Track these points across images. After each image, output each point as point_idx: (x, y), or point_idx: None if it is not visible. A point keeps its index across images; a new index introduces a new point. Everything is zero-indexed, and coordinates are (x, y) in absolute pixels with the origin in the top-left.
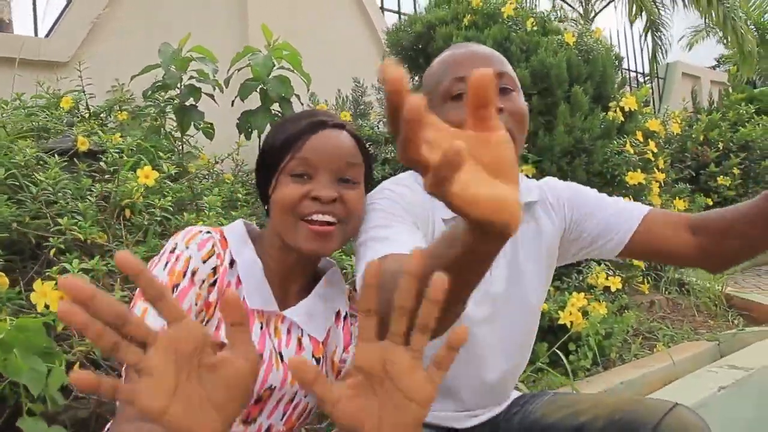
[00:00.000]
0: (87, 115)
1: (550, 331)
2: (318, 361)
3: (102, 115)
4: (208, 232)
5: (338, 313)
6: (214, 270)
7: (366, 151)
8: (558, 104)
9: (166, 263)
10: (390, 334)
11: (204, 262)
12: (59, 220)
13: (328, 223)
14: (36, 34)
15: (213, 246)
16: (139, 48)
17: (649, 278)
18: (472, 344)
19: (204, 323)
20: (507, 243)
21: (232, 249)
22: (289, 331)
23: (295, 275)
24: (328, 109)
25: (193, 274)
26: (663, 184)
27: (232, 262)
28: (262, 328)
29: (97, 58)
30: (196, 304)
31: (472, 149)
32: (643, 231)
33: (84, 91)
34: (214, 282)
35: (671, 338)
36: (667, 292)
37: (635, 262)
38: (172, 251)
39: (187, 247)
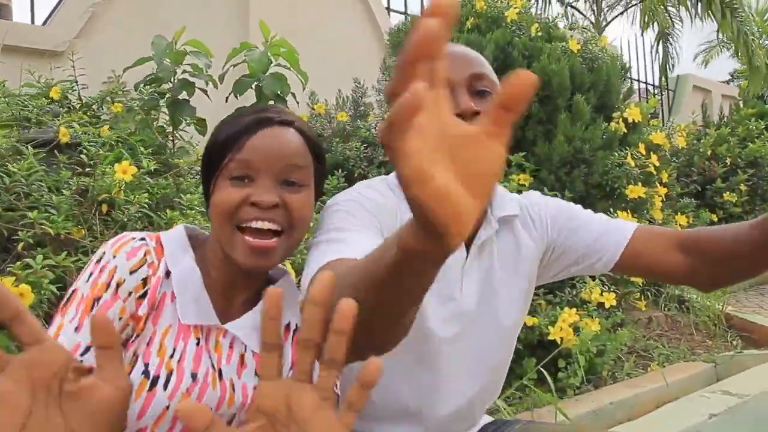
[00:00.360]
0: (78, 106)
1: (540, 346)
2: None
3: (94, 106)
4: (142, 239)
5: (288, 326)
6: (145, 281)
7: (318, 151)
8: (559, 113)
9: (90, 274)
10: (296, 371)
11: (132, 273)
12: (28, 214)
13: (272, 232)
14: (33, 21)
15: (145, 255)
16: (138, 40)
17: (648, 294)
18: (436, 364)
19: (133, 339)
20: (484, 258)
21: (167, 258)
22: (231, 346)
23: (239, 285)
24: (327, 110)
25: (118, 286)
26: (666, 199)
27: (169, 273)
28: (198, 343)
29: (94, 49)
30: (120, 319)
31: (462, 147)
32: (631, 250)
33: (77, 81)
34: (145, 293)
35: (666, 358)
36: (666, 309)
37: (633, 278)
38: (98, 261)
39: (114, 257)
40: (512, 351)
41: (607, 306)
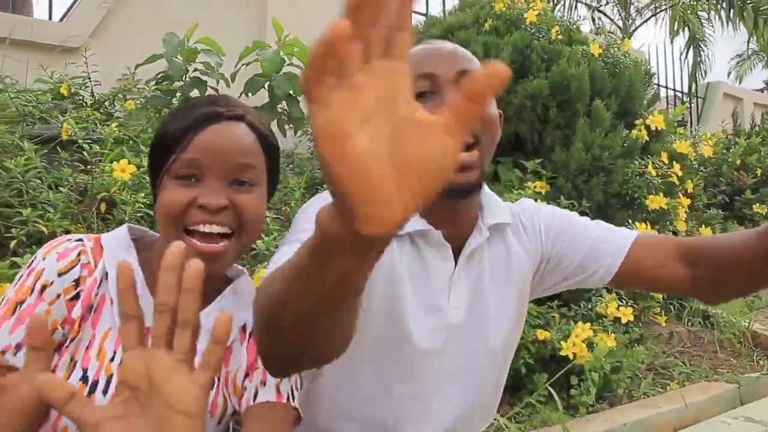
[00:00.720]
0: (90, 103)
1: (552, 360)
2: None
3: (106, 103)
4: (79, 239)
5: (244, 328)
6: (77, 282)
7: (270, 147)
8: (577, 118)
9: (20, 278)
10: (152, 337)
11: (60, 274)
12: (21, 210)
13: (221, 235)
14: (50, 17)
15: (78, 255)
16: (154, 38)
17: (671, 307)
18: (418, 377)
19: (68, 343)
20: (474, 267)
21: (106, 259)
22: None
23: None
24: None
25: (44, 288)
26: (692, 209)
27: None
28: None
29: (110, 46)
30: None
31: (408, 132)
32: (632, 259)
33: (90, 78)
34: (77, 295)
35: (687, 376)
36: (689, 324)
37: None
38: (29, 265)
39: (44, 259)
40: (505, 374)
41: (624, 321)
